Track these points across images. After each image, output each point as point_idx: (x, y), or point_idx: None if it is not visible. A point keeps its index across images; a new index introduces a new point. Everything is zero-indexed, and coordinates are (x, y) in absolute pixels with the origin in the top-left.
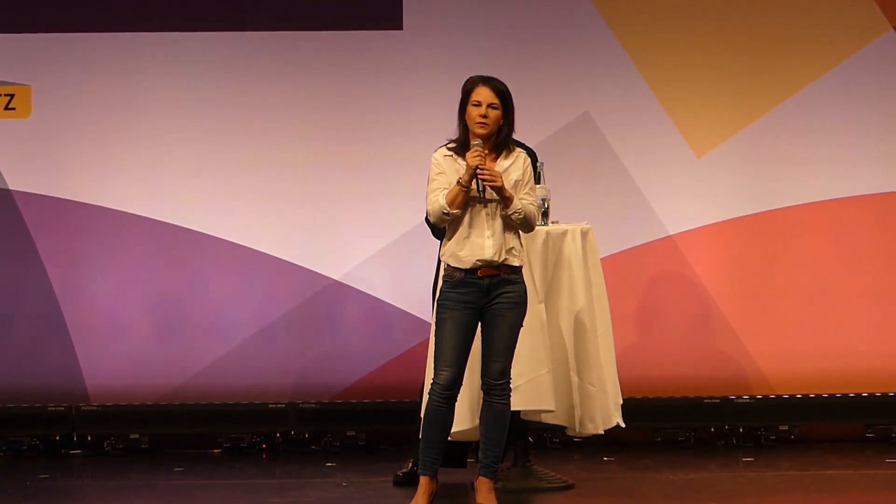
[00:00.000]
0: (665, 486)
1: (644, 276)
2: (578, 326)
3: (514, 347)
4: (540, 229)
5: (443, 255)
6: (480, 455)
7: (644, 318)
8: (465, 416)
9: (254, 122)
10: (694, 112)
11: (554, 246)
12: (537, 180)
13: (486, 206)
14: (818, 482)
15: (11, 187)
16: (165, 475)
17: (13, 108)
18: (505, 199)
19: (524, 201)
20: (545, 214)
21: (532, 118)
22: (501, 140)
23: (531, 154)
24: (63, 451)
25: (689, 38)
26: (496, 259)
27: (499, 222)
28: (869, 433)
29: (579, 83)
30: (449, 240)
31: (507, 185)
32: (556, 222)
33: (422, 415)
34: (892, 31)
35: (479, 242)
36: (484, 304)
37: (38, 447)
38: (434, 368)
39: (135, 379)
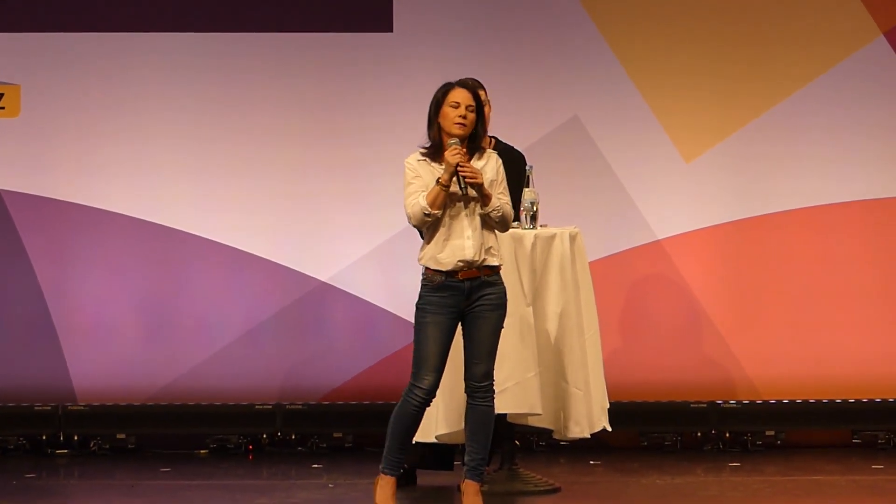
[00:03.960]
0: (651, 491)
1: (632, 280)
2: (566, 330)
3: (497, 349)
4: (528, 232)
5: (421, 259)
6: (466, 458)
7: (632, 322)
8: (453, 419)
9: (243, 124)
10: (683, 116)
11: (542, 249)
12: (526, 184)
13: (465, 207)
14: (804, 487)
15: (0, 186)
16: (152, 475)
17: (2, 108)
18: (484, 197)
19: (501, 200)
20: (533, 218)
21: (521, 121)
22: (476, 143)
23: (520, 158)
24: (49, 451)
25: (679, 42)
26: (476, 259)
27: (477, 222)
28: (855, 439)
29: (569, 87)
30: (428, 243)
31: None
32: (545, 226)
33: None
34: (882, 37)
35: (459, 244)
36: (465, 307)
37: (25, 446)
38: (416, 372)
39: (122, 379)
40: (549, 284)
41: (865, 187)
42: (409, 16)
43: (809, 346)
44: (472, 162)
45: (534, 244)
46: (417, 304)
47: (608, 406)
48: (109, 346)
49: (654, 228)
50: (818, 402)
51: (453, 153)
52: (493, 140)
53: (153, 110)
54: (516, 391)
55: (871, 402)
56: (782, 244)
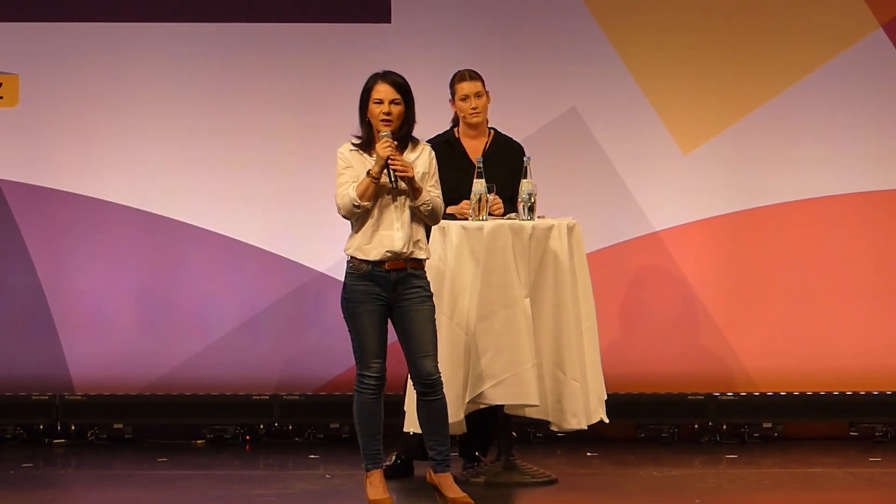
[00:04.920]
0: (648, 483)
1: (629, 271)
2: (563, 322)
3: (437, 340)
4: (526, 224)
5: (348, 249)
6: (432, 453)
7: (629, 314)
8: (450, 410)
9: (241, 114)
10: (681, 108)
11: (539, 241)
12: (524, 175)
13: (395, 199)
14: (801, 480)
15: None
16: (149, 465)
17: (1, 97)
18: (415, 190)
19: (431, 193)
20: (531, 209)
21: (519, 113)
22: (405, 134)
23: (519, 149)
24: (46, 441)
25: (677, 33)
26: (404, 251)
27: (407, 214)
28: (852, 431)
29: (566, 78)
30: (356, 233)
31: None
32: (543, 217)
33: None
34: (881, 29)
35: (389, 235)
36: (392, 298)
37: (22, 436)
38: (361, 362)
39: (119, 369)
40: (546, 276)
41: (864, 179)
42: (408, 7)
43: (807, 338)
44: (404, 154)
45: (531, 235)
46: (343, 295)
47: (605, 397)
48: (107, 336)
49: (651, 220)
50: (816, 394)
51: (384, 146)
52: (492, 131)
53: (152, 101)
54: (513, 382)
55: (869, 394)
56: (780, 236)
